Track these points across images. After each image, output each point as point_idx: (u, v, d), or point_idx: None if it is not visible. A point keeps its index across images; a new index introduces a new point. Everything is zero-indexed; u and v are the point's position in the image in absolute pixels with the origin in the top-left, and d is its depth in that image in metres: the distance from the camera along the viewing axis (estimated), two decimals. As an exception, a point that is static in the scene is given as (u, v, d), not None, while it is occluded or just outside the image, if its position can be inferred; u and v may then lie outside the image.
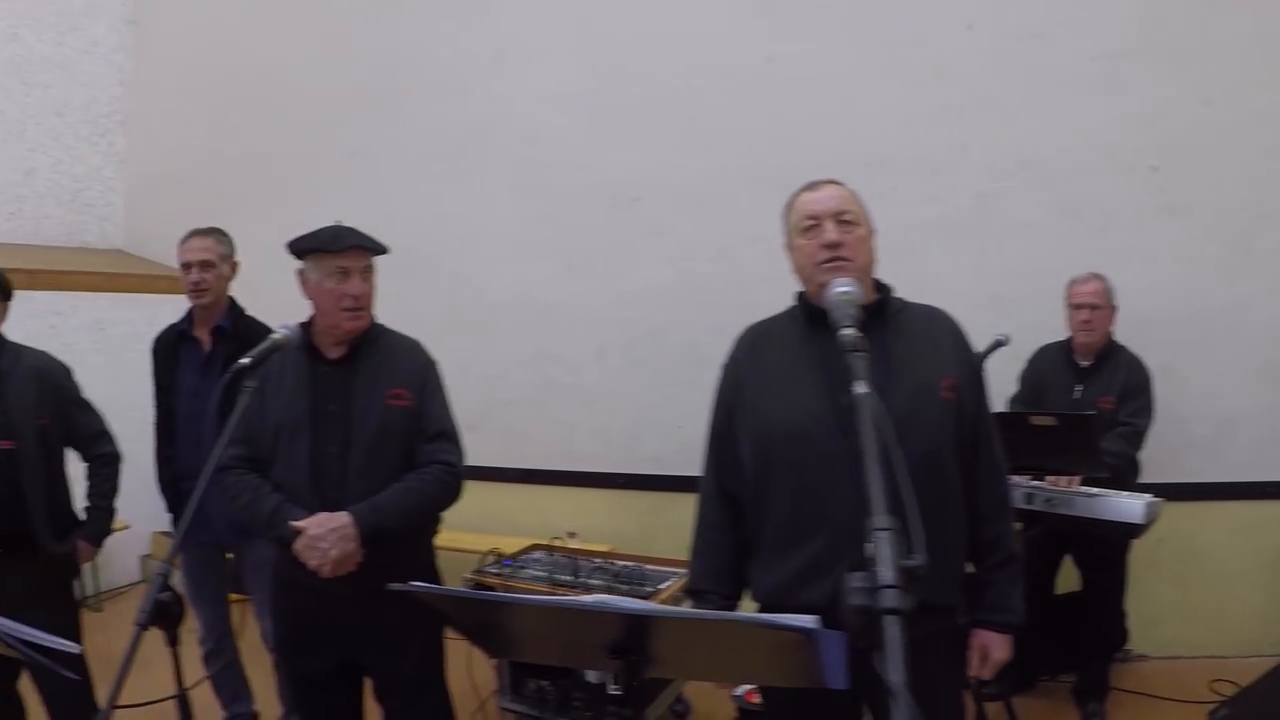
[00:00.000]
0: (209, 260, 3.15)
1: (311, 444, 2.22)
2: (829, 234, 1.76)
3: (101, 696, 2.54)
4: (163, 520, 3.26)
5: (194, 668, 2.51)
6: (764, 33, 4.16)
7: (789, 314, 1.90)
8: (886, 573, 1.11)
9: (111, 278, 5.40)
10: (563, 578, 3.35)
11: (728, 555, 1.92)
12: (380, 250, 2.30)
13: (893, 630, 1.06)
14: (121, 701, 1.55)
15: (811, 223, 1.79)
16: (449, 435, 2.33)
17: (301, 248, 2.25)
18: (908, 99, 3.97)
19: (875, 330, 1.64)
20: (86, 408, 3.00)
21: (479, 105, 4.80)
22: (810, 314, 1.80)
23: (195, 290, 3.14)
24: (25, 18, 5.89)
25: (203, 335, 3.20)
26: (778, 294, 1.85)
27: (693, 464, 1.95)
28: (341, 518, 2.13)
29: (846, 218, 1.79)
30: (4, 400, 2.74)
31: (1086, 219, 3.76)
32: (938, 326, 1.86)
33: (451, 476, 2.30)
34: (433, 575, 2.41)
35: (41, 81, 5.85)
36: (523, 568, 3.51)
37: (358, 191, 4.95)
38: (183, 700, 1.83)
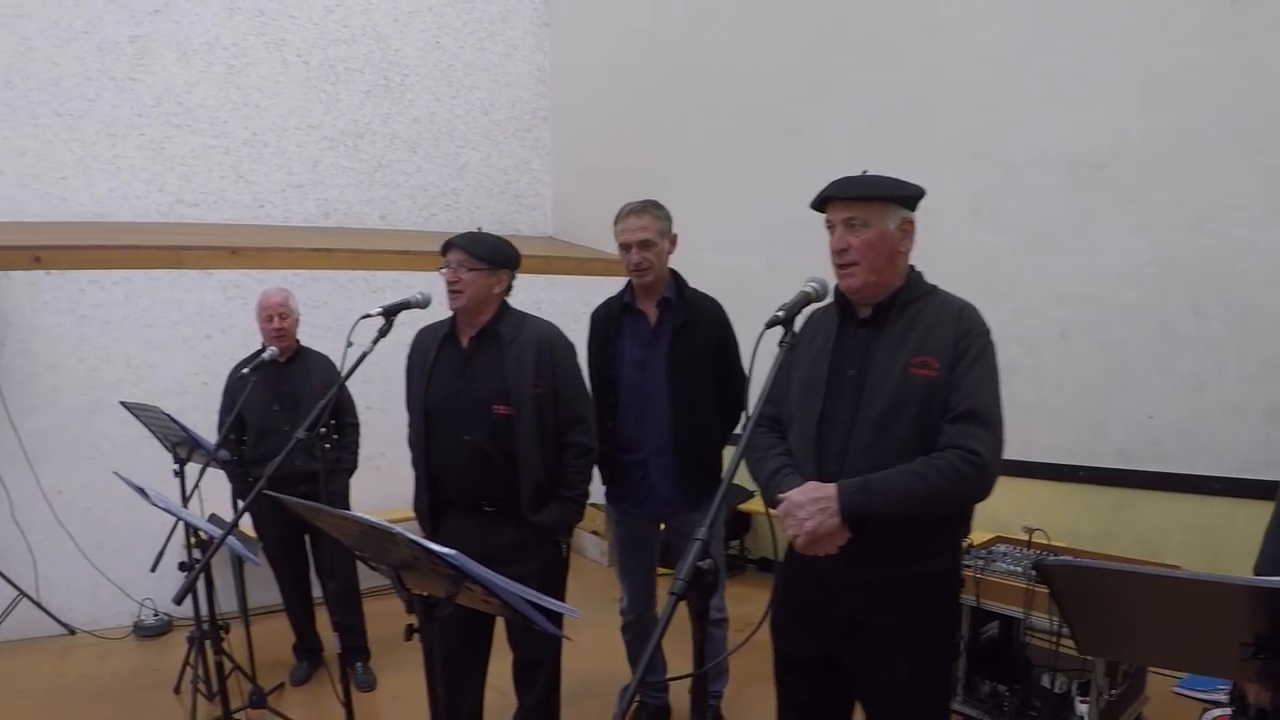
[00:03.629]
0: (648, 239, 3.35)
1: (822, 410, 2.22)
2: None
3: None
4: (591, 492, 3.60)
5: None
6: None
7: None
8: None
9: (549, 260, 6.24)
10: (1038, 572, 3.32)
11: None
12: (875, 198, 2.21)
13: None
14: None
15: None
16: (980, 417, 2.09)
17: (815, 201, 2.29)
18: None
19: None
20: (581, 388, 3.20)
21: (915, 73, 4.93)
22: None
23: (636, 270, 3.36)
24: (446, 28, 7.04)
25: (648, 308, 3.44)
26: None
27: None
28: (825, 489, 2.09)
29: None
30: (504, 366, 3.01)
31: None
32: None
33: (972, 467, 2.05)
34: (951, 582, 2.30)
35: (467, 84, 6.87)
36: (993, 559, 3.56)
37: (795, 168, 5.21)
38: (700, 680, 1.92)
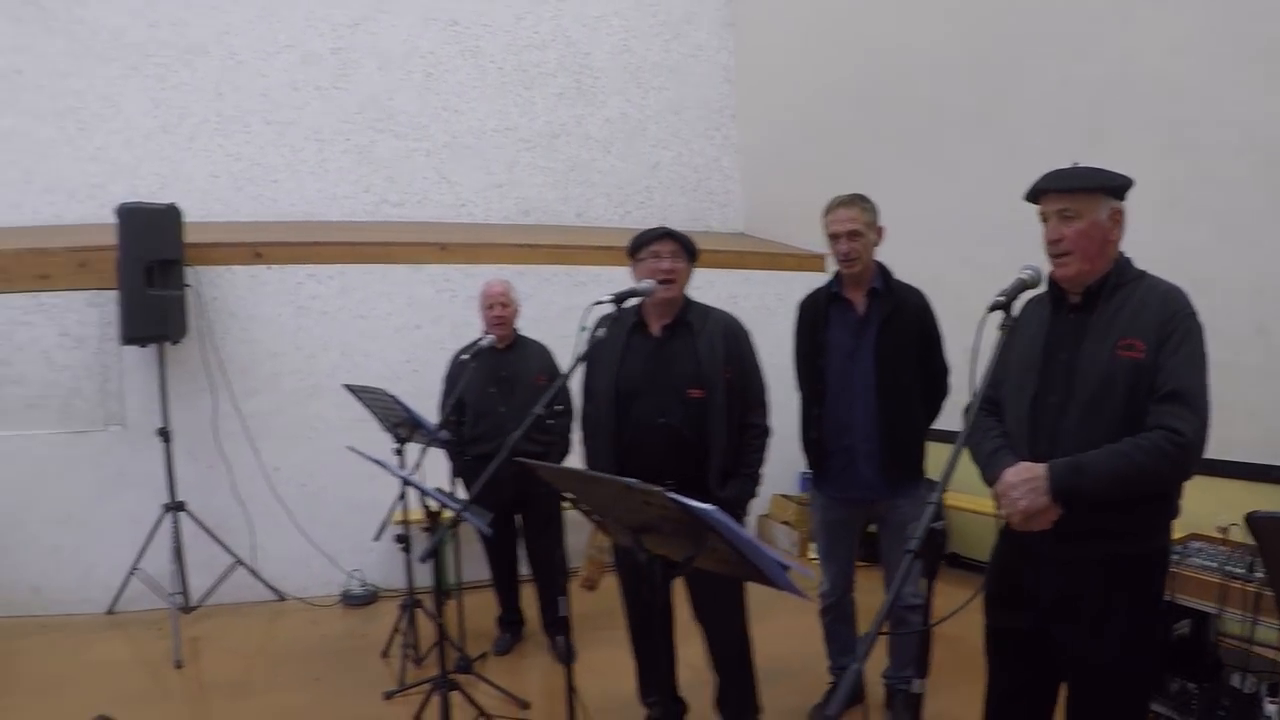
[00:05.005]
0: (856, 230, 3.55)
1: (1035, 391, 2.42)
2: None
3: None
4: (781, 483, 3.52)
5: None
6: None
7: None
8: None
9: (742, 256, 6.25)
10: (1235, 570, 3.39)
11: None
12: (1081, 188, 2.37)
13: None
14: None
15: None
16: (1184, 398, 2.22)
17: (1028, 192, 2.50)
18: None
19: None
20: (759, 374, 3.56)
21: (1106, 63, 4.94)
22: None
23: (845, 260, 3.59)
24: (633, 31, 7.37)
25: (855, 297, 3.66)
26: None
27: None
28: (1036, 469, 2.28)
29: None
30: (697, 353, 3.39)
31: None
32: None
33: (1174, 447, 2.18)
34: (1160, 564, 2.42)
35: (655, 85, 7.15)
36: (1187, 555, 3.65)
37: (985, 161, 5.40)
38: (925, 639, 2.21)
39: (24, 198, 6.64)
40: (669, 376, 3.37)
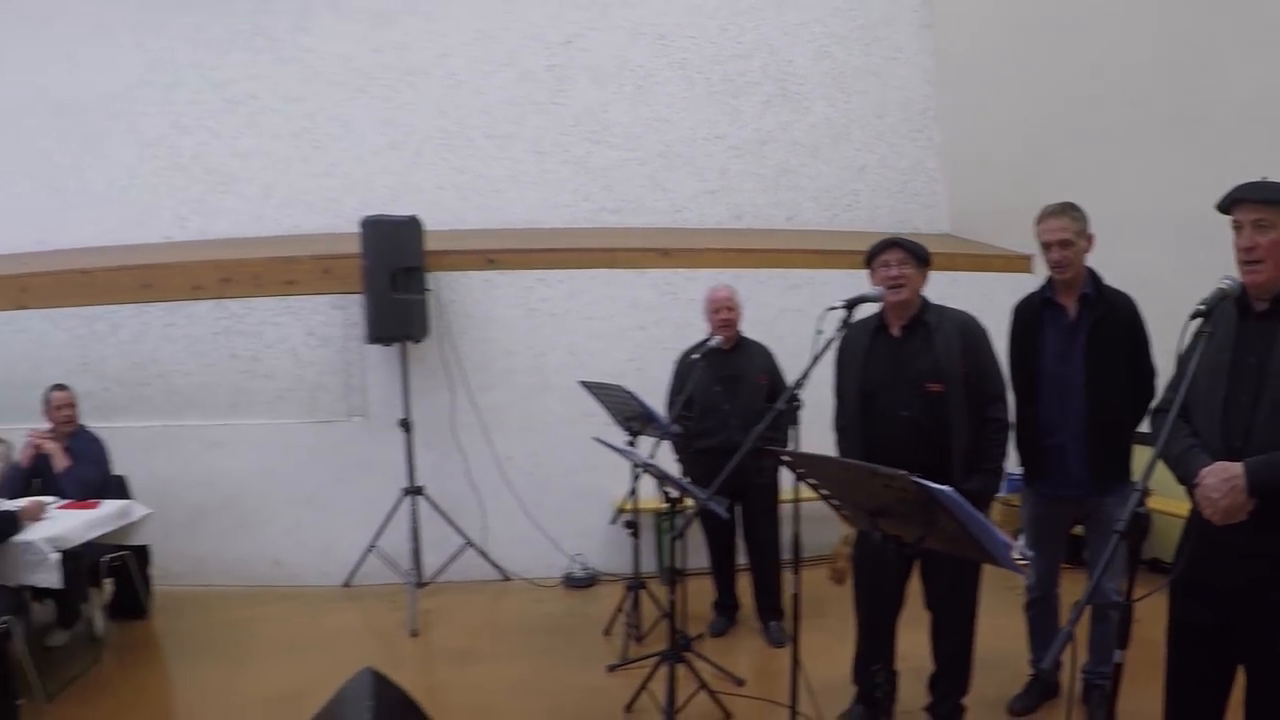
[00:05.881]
0: (1066, 239, 3.78)
1: (1226, 393, 2.60)
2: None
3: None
4: None
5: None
6: None
7: None
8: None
9: (950, 258, 6.56)
10: None
11: None
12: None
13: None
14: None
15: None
16: None
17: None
18: None
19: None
20: (996, 369, 3.90)
21: None
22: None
23: (1057, 267, 3.83)
24: (834, 36, 7.82)
25: (1068, 302, 3.90)
26: None
27: None
28: (1233, 468, 2.46)
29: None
30: (934, 350, 3.73)
31: None
32: None
33: None
34: None
35: (858, 89, 7.45)
36: None
37: (1191, 162, 5.45)
38: (1126, 613, 2.27)
39: (264, 210, 7.38)
40: (909, 373, 3.75)
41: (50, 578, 4.75)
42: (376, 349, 6.42)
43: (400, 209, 6.43)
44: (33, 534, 4.82)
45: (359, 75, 7.47)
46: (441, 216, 6.78)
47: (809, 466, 2.90)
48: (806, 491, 3.05)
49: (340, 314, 6.58)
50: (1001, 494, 5.38)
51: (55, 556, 4.75)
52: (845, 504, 2.90)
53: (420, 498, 6.43)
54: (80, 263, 7.31)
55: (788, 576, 5.04)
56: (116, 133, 7.71)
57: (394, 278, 6.09)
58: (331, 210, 7.30)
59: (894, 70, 7.84)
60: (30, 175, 7.84)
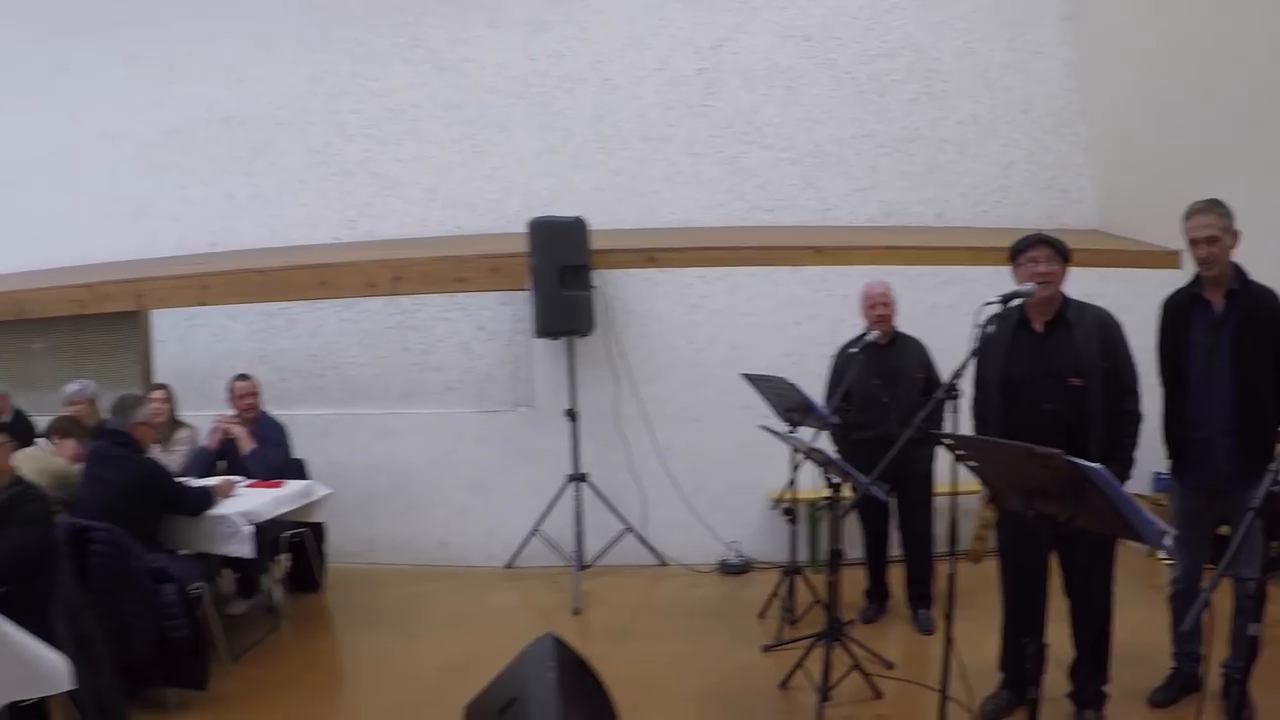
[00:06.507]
0: (1213, 235, 3.88)
1: None
2: None
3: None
4: (1136, 483, 4.02)
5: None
6: None
7: None
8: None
9: (1098, 254, 6.64)
10: None
11: None
12: None
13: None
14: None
15: None
16: None
17: None
18: None
19: None
20: (1131, 364, 4.02)
21: None
22: None
23: (1204, 264, 3.93)
24: (977, 32, 7.99)
25: (1214, 298, 4.01)
26: None
27: None
28: None
29: None
30: (1075, 345, 3.93)
31: None
32: None
33: None
34: None
35: (1003, 85, 7.70)
36: None
37: None
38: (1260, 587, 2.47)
39: (428, 212, 7.92)
40: (1051, 367, 3.94)
41: (243, 548, 5.37)
42: (542, 343, 6.90)
43: (560, 210, 6.89)
44: (227, 508, 5.46)
45: (516, 83, 7.98)
46: (600, 217, 7.20)
47: (969, 448, 3.19)
48: (962, 484, 3.37)
49: (508, 310, 7.06)
50: (1150, 493, 5.63)
51: (249, 529, 5.39)
52: (1000, 483, 3.16)
53: (583, 484, 6.90)
54: (257, 262, 7.92)
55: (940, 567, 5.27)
56: (283, 141, 8.41)
57: (561, 275, 6.53)
58: (494, 211, 7.82)
59: (1038, 65, 7.97)
60: (204, 182, 8.56)
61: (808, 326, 6.84)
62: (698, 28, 7.88)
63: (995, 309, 3.82)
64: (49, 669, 3.43)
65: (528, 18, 8.00)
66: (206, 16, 8.67)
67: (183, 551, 5.42)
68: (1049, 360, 3.96)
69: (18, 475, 4.28)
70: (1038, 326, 4.04)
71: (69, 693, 3.56)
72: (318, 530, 6.68)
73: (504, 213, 7.66)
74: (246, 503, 5.62)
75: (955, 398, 3.78)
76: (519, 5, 8.04)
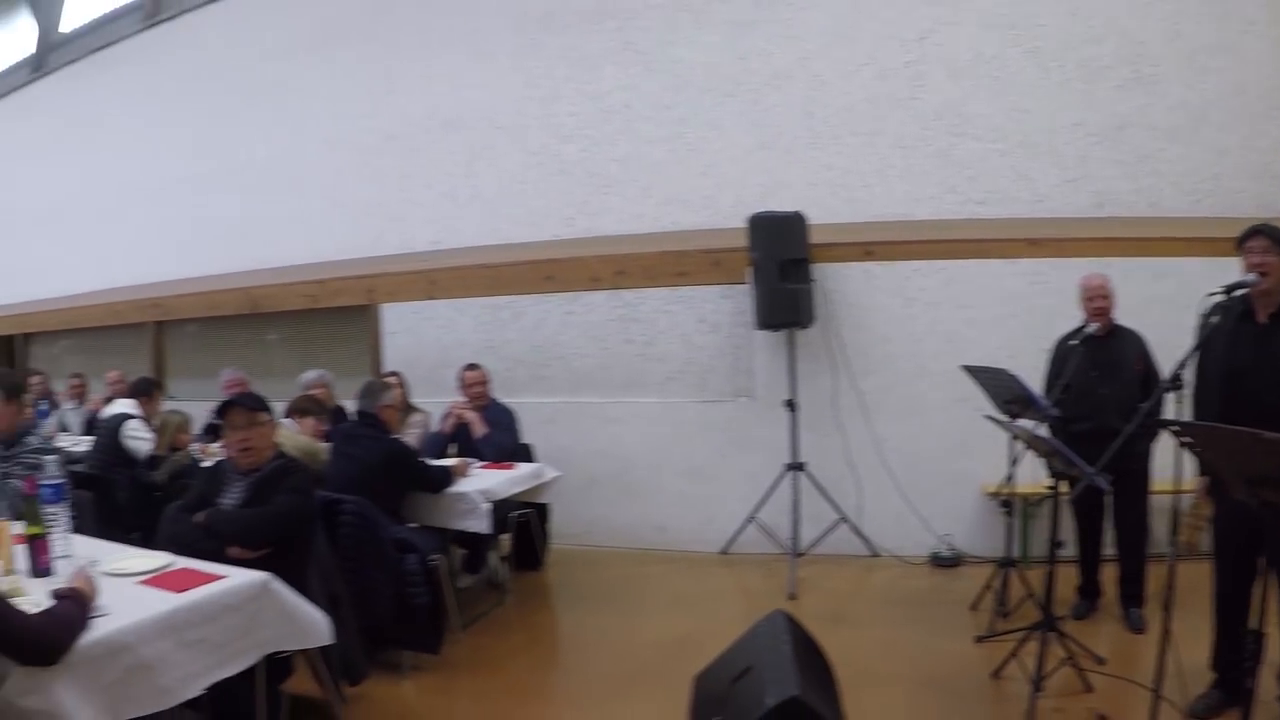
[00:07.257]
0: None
1: None
2: None
3: None
4: None
5: None
6: None
7: None
8: None
9: None
10: None
11: None
12: None
13: None
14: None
15: None
16: None
17: None
18: None
19: None
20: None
21: None
22: None
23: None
24: (1184, 13, 8.23)
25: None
26: None
27: None
28: None
29: None
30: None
31: None
32: None
33: None
34: None
35: (1213, 68, 7.64)
36: None
37: None
38: None
39: (644, 209, 8.49)
40: (1273, 359, 4.03)
41: (481, 524, 5.98)
42: (762, 335, 7.41)
43: (773, 205, 7.35)
44: (465, 486, 6.10)
45: (727, 81, 8.41)
46: (813, 211, 7.68)
47: (1195, 435, 3.41)
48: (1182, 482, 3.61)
49: (728, 303, 7.59)
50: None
51: (486, 506, 6.08)
52: (1226, 472, 3.30)
53: (801, 473, 7.43)
54: (483, 259, 8.62)
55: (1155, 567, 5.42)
56: (502, 144, 9.11)
57: (782, 269, 6.99)
58: (710, 208, 8.27)
59: (1249, 45, 7.83)
60: (427, 184, 9.36)
61: (1024, 319, 7.12)
62: (902, 20, 8.10)
63: (1219, 299, 3.98)
64: (313, 625, 4.03)
65: (733, 17, 8.38)
66: (423, 33, 9.48)
67: (416, 526, 6.01)
68: (1271, 352, 4.04)
69: (281, 450, 4.89)
70: (1262, 318, 4.13)
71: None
72: (542, 511, 7.40)
73: (718, 208, 8.08)
74: (483, 482, 6.24)
75: (1179, 388, 3.95)
76: (723, 5, 8.41)
